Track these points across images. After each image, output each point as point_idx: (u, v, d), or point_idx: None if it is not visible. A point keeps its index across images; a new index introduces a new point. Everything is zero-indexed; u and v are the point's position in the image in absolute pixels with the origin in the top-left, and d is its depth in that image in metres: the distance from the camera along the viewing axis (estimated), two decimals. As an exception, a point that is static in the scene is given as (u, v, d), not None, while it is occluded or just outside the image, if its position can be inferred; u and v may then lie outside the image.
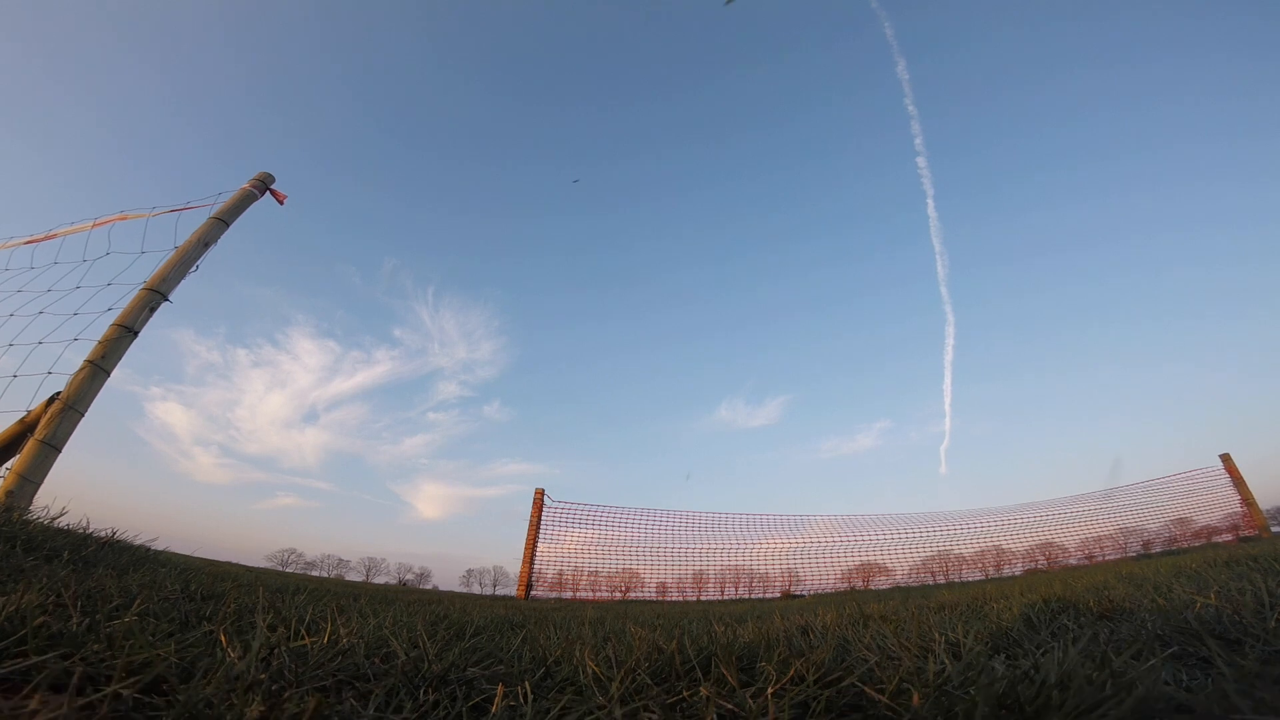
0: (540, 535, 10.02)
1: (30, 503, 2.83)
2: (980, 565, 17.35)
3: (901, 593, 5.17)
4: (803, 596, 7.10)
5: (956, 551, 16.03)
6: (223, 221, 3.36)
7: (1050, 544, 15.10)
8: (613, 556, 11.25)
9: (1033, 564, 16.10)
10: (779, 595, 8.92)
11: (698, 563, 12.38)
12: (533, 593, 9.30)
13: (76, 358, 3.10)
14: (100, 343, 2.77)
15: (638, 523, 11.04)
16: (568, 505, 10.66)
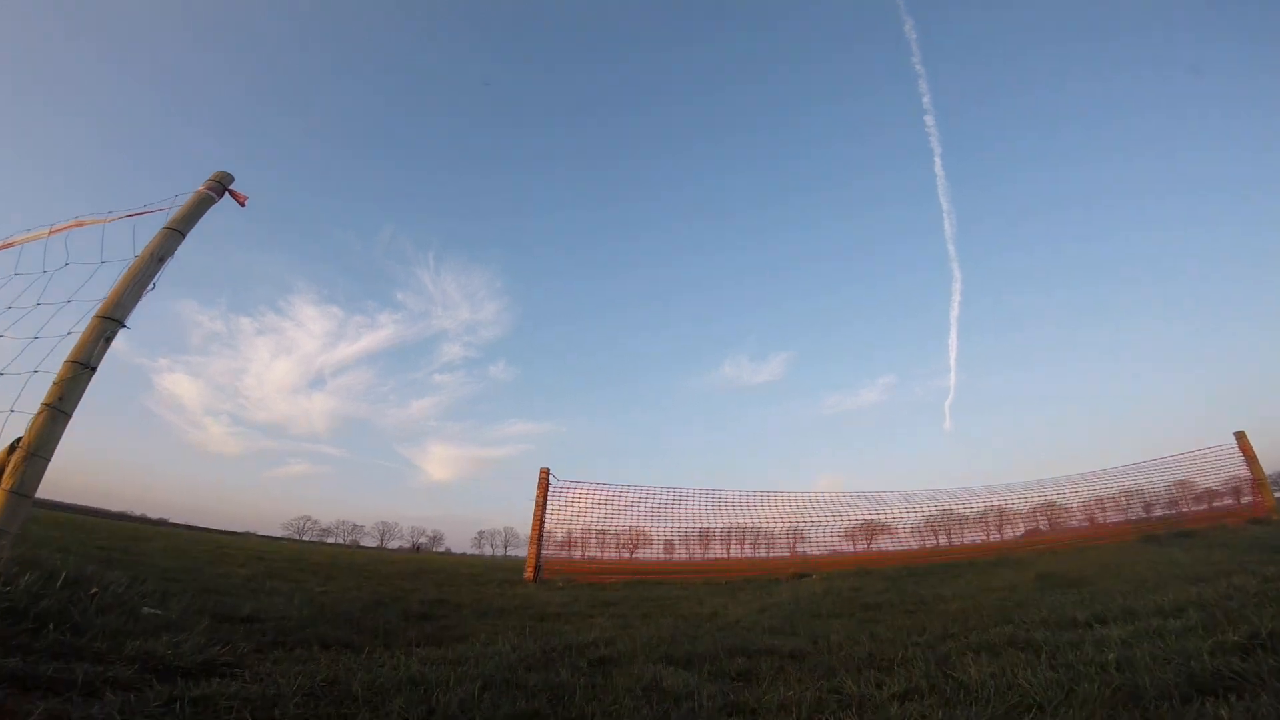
0: (546, 514, 10.04)
1: (8, 553, 2.68)
2: (982, 526, 17.62)
3: (911, 581, 5.13)
4: (810, 577, 7.14)
5: (959, 511, 16.17)
6: (178, 232, 3.08)
7: (1052, 504, 15.18)
8: (621, 517, 11.26)
9: (1034, 525, 16.30)
10: (788, 566, 9.01)
11: (703, 520, 12.43)
12: (543, 553, 9.40)
13: (54, 365, 2.90)
14: (56, 384, 2.56)
15: (644, 497, 11.06)
16: (573, 485, 10.65)
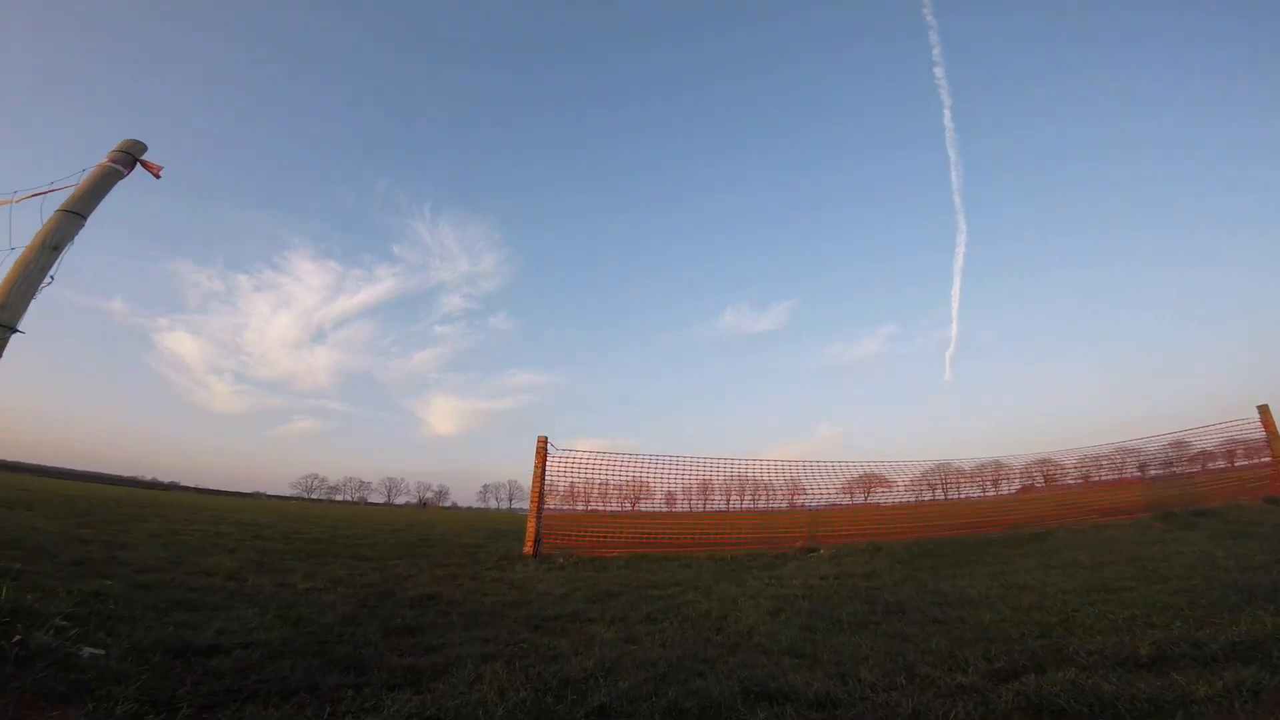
0: (546, 481, 9.84)
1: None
2: (979, 480, 17.80)
3: (927, 566, 4.90)
4: (818, 552, 6.97)
5: (956, 465, 16.28)
6: (77, 215, 2.57)
7: (1048, 461, 15.24)
8: (622, 473, 11.12)
9: (1029, 482, 16.41)
10: (795, 536, 8.90)
11: (703, 472, 12.31)
12: (547, 509, 9.31)
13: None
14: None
15: (646, 465, 10.85)
16: (573, 454, 10.37)
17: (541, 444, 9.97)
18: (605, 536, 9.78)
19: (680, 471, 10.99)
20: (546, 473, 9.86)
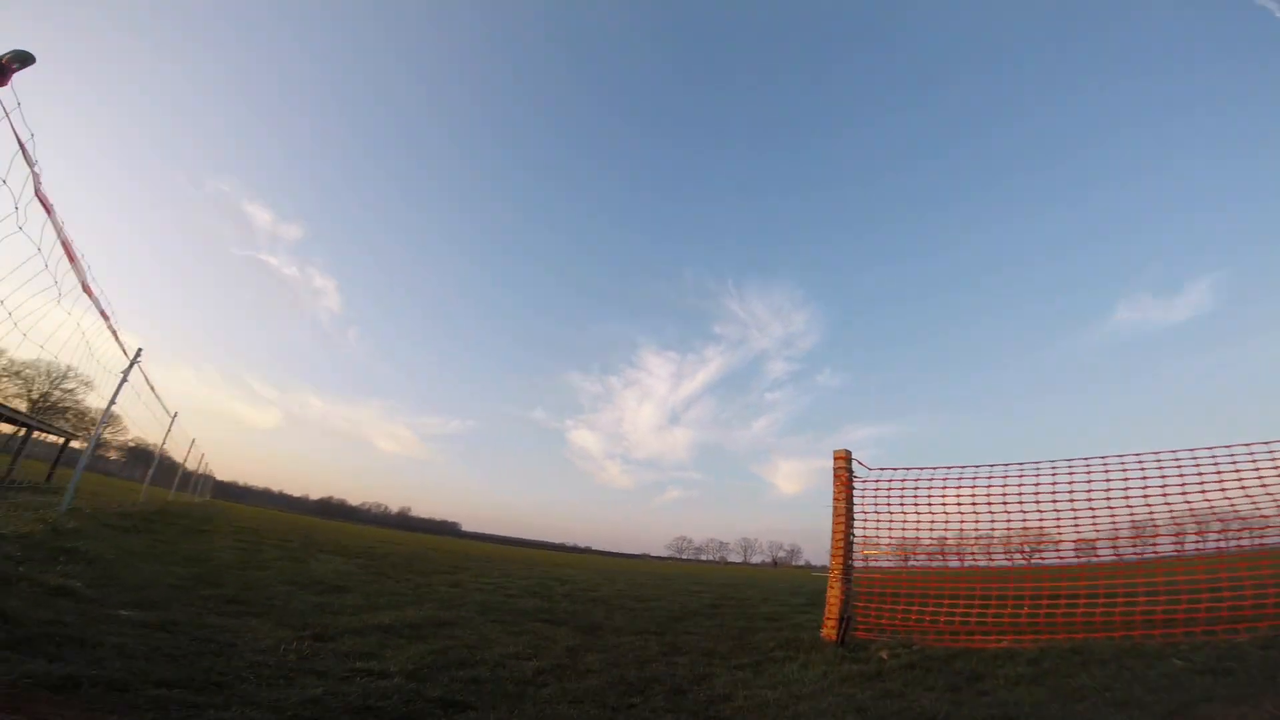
0: (855, 525, 6.41)
1: None
2: None
3: None
4: None
5: None
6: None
7: None
8: (991, 515, 6.33)
9: None
10: None
11: (1130, 509, 5.86)
12: (861, 563, 5.83)
13: None
14: None
15: (1019, 485, 6.01)
16: (894, 476, 6.48)
17: (841, 462, 6.60)
18: (974, 610, 5.27)
19: (1089, 488, 5.61)
20: (857, 508, 6.45)
